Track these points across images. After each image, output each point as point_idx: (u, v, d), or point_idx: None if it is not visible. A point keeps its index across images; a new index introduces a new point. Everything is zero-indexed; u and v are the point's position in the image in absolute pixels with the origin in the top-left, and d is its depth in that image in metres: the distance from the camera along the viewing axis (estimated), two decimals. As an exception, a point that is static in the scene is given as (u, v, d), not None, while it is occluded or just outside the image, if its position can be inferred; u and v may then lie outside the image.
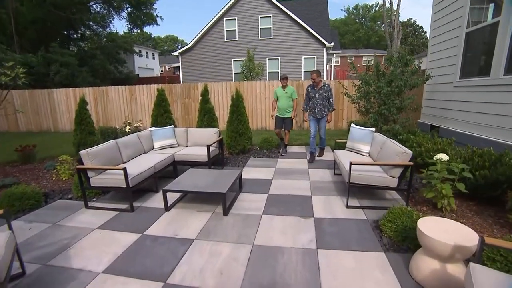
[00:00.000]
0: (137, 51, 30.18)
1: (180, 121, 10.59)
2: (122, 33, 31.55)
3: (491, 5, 4.97)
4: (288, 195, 3.96)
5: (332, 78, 21.74)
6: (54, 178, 4.93)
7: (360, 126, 4.93)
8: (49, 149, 7.31)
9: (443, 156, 3.28)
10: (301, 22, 16.09)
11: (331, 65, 21.80)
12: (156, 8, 26.76)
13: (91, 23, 23.41)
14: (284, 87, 5.97)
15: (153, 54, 39.32)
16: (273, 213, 3.43)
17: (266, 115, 9.93)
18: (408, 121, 5.93)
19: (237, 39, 17.27)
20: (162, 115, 6.25)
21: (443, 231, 2.06)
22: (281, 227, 3.09)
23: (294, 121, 6.19)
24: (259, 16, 16.81)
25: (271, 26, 16.79)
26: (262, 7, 16.67)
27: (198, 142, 5.36)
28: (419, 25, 42.07)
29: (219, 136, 5.37)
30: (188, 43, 18.35)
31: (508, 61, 4.24)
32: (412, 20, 41.60)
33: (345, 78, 17.36)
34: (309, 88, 5.60)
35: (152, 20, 26.48)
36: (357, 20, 57.84)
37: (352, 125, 4.70)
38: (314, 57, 16.53)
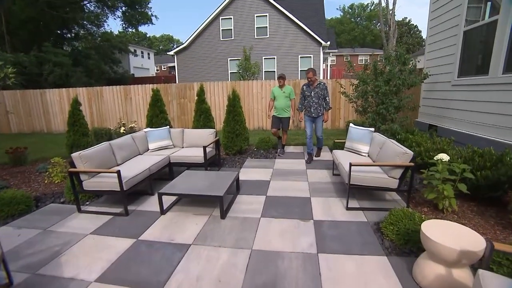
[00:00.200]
0: (132, 50, 29.90)
1: (176, 122, 10.46)
2: (117, 32, 31.26)
3: (489, 4, 4.93)
4: (287, 197, 3.89)
5: (328, 77, 21.72)
6: (46, 181, 4.79)
7: (359, 125, 4.87)
8: (41, 151, 7.15)
9: (444, 157, 3.23)
10: (297, 21, 16.02)
11: (327, 64, 21.78)
12: (151, 7, 26.54)
13: (85, 22, 23.08)
14: (281, 86, 5.89)
15: (149, 54, 38.96)
16: (272, 215, 3.35)
17: (263, 115, 9.84)
18: (406, 120, 5.89)
19: (233, 38, 17.15)
20: (157, 115, 6.13)
21: (448, 235, 2.00)
22: (280, 230, 3.01)
23: (291, 120, 6.11)
24: (255, 15, 16.70)
25: (267, 25, 16.70)
26: (258, 6, 16.57)
27: (194, 143, 5.26)
28: (414, 24, 42.38)
29: (216, 137, 5.27)
30: (183, 42, 18.18)
31: (507, 59, 4.21)
32: (407, 20, 41.88)
33: (341, 77, 17.35)
34: (304, 87, 5.50)
35: (147, 19, 26.21)
36: (352, 19, 57.98)
37: (351, 125, 4.64)
38: (311, 56, 16.49)
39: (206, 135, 5.20)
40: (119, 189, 3.40)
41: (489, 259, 1.59)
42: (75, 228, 3.19)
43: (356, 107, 6.31)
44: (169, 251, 2.67)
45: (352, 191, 3.55)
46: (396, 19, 20.09)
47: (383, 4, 22.23)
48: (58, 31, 22.33)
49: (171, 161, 4.73)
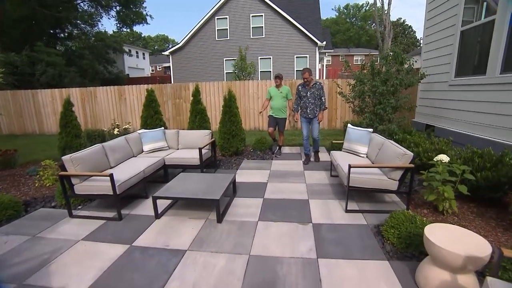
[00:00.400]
0: (127, 50, 29.56)
1: (171, 122, 10.33)
2: (111, 32, 30.86)
3: (485, 4, 4.92)
4: (284, 199, 3.81)
5: (324, 77, 21.72)
6: (36, 185, 4.65)
7: (356, 126, 4.82)
8: (33, 153, 6.98)
9: (444, 158, 3.18)
10: (293, 20, 15.97)
11: (323, 64, 21.78)
12: (145, 7, 26.29)
13: (78, 21, 22.73)
14: (278, 86, 5.81)
15: (144, 54, 38.59)
16: (270, 219, 3.27)
17: (260, 116, 9.76)
18: (404, 121, 5.86)
19: (228, 38, 17.04)
20: (152, 116, 6.01)
21: (452, 240, 1.94)
22: (278, 234, 2.93)
23: (287, 121, 6.04)
24: (251, 15, 16.62)
25: (263, 25, 16.62)
26: (253, 6, 16.48)
27: (189, 144, 5.16)
28: (408, 25, 42.74)
29: (212, 138, 5.18)
30: (179, 42, 18.01)
31: (504, 59, 4.19)
32: (402, 20, 42.20)
33: (337, 77, 17.35)
34: (300, 87, 5.38)
35: (141, 19, 25.89)
36: (347, 20, 58.22)
37: (349, 125, 4.58)
38: (307, 56, 16.45)
39: (202, 136, 5.11)
40: (112, 193, 3.28)
41: (498, 266, 1.53)
42: (66, 234, 3.07)
43: (353, 107, 6.26)
44: (164, 257, 2.57)
45: (351, 193, 3.49)
46: (391, 19, 20.16)
47: (378, 4, 22.32)
48: (51, 31, 21.95)
49: (166, 163, 4.62)
